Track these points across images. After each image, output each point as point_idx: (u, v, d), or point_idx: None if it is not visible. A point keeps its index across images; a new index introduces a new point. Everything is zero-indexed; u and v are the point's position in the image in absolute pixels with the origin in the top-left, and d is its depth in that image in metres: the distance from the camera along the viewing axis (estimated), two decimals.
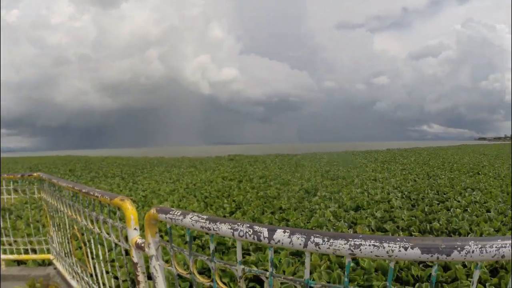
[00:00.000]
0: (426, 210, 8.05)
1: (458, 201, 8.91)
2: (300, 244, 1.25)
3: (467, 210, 8.01)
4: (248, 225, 1.37)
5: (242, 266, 1.48)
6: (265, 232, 1.32)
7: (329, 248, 1.21)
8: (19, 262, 5.15)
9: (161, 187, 13.14)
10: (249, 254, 5.28)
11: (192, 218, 1.57)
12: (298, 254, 5.13)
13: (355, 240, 1.19)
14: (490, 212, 7.62)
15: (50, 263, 4.77)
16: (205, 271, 4.32)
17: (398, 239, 1.18)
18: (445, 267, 4.61)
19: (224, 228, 1.44)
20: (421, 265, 4.67)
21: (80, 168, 24.13)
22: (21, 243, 4.93)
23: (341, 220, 7.22)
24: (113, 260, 4.04)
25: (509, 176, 13.27)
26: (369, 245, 1.18)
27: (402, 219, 7.20)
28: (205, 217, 1.53)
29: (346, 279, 1.27)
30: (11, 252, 4.85)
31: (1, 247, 4.75)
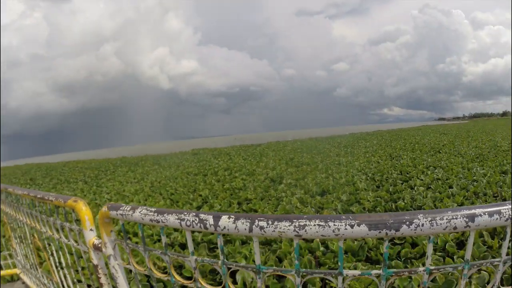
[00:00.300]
0: (390, 190, 8.24)
1: (421, 180, 9.16)
2: (245, 229, 1.21)
3: (430, 187, 8.26)
4: (194, 214, 1.34)
5: (195, 257, 1.45)
6: (210, 219, 1.29)
7: (274, 231, 1.18)
8: None
9: (125, 187, 12.84)
10: None
11: (141, 212, 1.52)
12: (268, 243, 5.13)
13: (299, 221, 1.16)
14: (452, 188, 7.89)
15: (19, 277, 4.58)
16: (178, 269, 4.24)
17: (343, 217, 1.15)
18: (413, 244, 4.72)
19: (171, 219, 1.39)
20: (389, 243, 4.75)
21: (41, 176, 23.16)
22: None
23: (308, 206, 7.27)
24: (82, 268, 3.92)
25: (469, 154, 13.86)
26: (314, 225, 1.14)
27: (368, 201, 7.33)
28: (153, 209, 1.49)
29: (296, 262, 1.25)
30: None
31: None
